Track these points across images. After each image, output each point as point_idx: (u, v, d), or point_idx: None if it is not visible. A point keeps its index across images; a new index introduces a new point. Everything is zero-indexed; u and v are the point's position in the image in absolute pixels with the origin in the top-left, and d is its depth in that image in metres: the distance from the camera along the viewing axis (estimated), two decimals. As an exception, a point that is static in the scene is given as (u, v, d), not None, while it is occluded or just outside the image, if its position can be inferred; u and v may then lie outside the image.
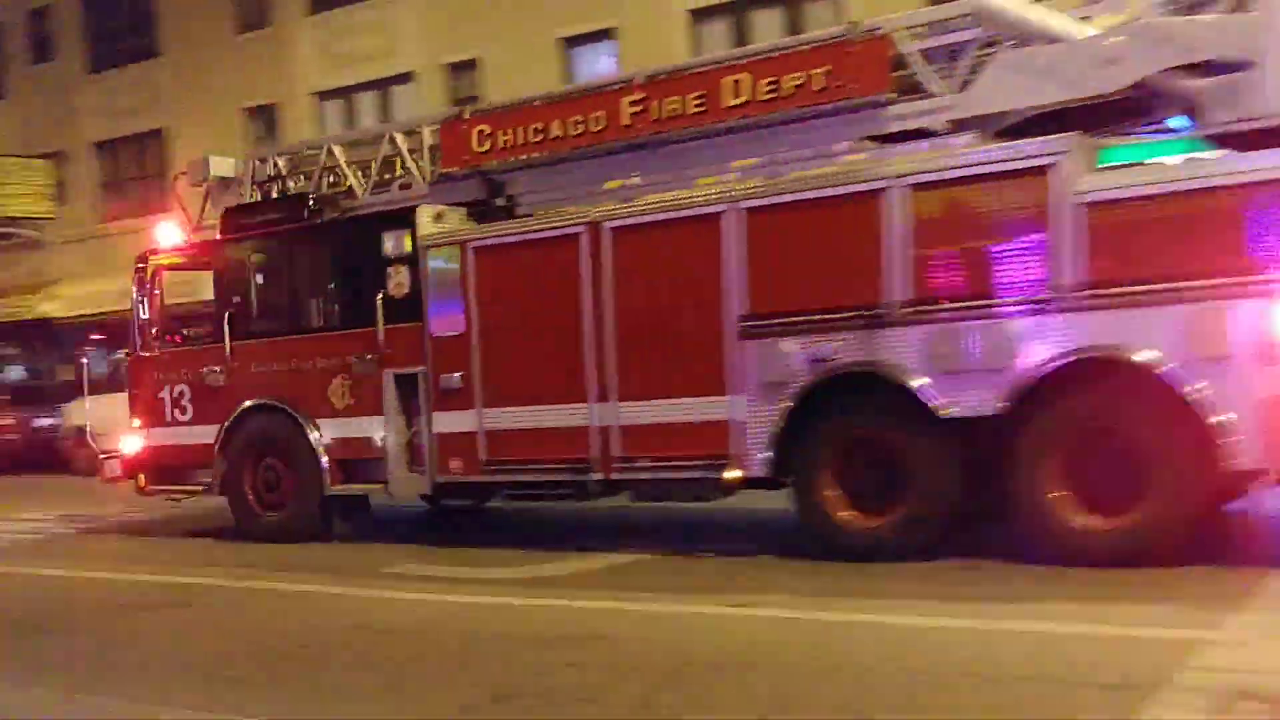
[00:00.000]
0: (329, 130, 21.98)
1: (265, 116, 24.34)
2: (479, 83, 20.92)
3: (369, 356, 9.95)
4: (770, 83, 8.17)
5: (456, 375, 9.46)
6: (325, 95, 23.74)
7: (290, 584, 8.71)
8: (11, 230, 26.71)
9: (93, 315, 24.92)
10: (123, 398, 18.68)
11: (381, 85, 22.97)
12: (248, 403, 10.64)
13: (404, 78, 22.54)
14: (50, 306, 25.35)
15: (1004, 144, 7.45)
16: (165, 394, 11.34)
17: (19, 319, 26.23)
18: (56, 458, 20.14)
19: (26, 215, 26.21)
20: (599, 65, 19.83)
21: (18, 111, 27.61)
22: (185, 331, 11.89)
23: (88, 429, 19.09)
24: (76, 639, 7.69)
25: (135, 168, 26.27)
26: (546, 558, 9.09)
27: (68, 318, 25.42)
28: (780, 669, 5.57)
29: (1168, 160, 7.10)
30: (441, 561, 9.14)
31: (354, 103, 23.40)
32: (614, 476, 8.83)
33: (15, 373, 27.65)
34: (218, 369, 10.85)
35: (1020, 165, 7.14)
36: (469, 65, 21.33)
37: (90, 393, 19.60)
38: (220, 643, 7.32)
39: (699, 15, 19.29)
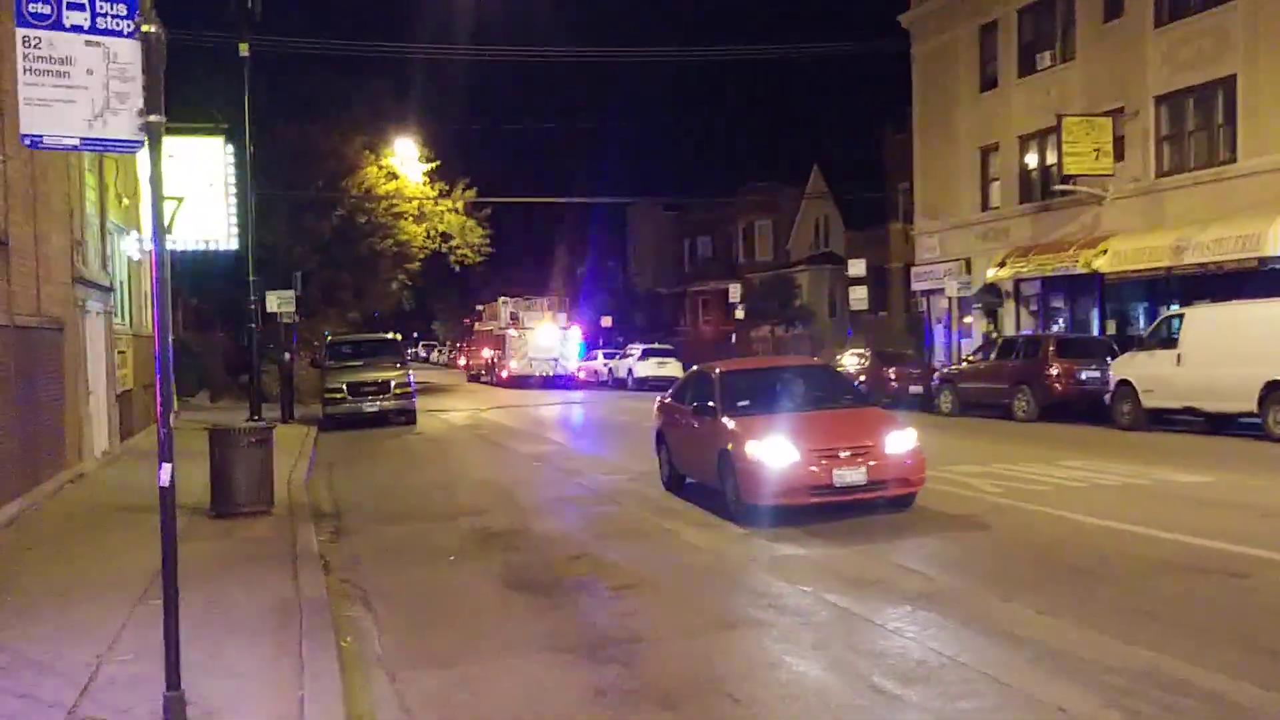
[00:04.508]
0: None
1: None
2: None
3: None
4: None
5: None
6: None
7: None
8: (1070, 188, 28.02)
9: (1139, 270, 25.10)
10: (1166, 355, 18.65)
11: None
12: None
13: None
14: (1100, 261, 26.10)
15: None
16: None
17: (1071, 273, 27.54)
18: (1100, 409, 20.78)
19: (1086, 173, 27.23)
20: None
21: (1084, 71, 28.67)
22: None
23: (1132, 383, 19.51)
24: (1125, 590, 7.85)
25: (1196, 119, 25.52)
26: None
27: (1115, 272, 25.96)
28: None
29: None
30: None
31: None
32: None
33: (1062, 325, 29.25)
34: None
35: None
36: None
37: (1139, 349, 19.94)
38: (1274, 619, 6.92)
39: None
